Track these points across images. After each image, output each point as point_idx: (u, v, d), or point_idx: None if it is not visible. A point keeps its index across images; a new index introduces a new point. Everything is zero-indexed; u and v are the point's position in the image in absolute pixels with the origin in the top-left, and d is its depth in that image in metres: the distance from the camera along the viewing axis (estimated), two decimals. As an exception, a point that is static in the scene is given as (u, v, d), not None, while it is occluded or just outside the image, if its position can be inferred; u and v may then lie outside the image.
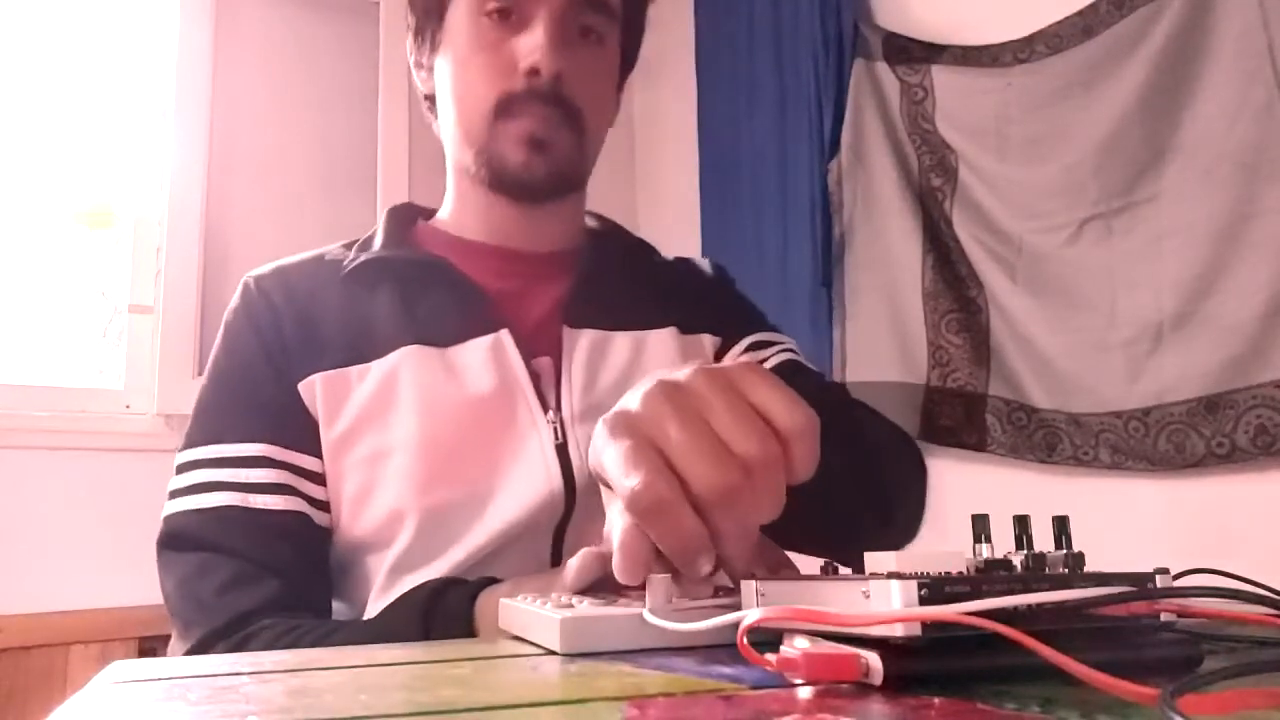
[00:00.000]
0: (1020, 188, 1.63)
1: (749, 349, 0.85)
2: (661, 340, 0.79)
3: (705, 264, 0.93)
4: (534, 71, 0.72)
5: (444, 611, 0.58)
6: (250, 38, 2.32)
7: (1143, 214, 1.45)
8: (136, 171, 2.21)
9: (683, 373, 0.44)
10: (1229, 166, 1.34)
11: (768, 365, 0.84)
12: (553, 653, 0.40)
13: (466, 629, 0.56)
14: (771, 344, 0.86)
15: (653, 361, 0.78)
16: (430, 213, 0.87)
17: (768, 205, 2.18)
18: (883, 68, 1.89)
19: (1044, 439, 1.56)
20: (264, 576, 0.65)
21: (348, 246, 0.81)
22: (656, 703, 0.29)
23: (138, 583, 2.00)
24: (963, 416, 1.69)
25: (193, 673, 0.36)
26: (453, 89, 0.77)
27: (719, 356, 0.84)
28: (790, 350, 0.86)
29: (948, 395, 1.73)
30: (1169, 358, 1.40)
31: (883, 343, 1.84)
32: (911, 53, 1.85)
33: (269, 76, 2.33)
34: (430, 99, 0.83)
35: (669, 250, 0.92)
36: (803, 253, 2.03)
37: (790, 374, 0.81)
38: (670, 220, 2.60)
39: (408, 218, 0.85)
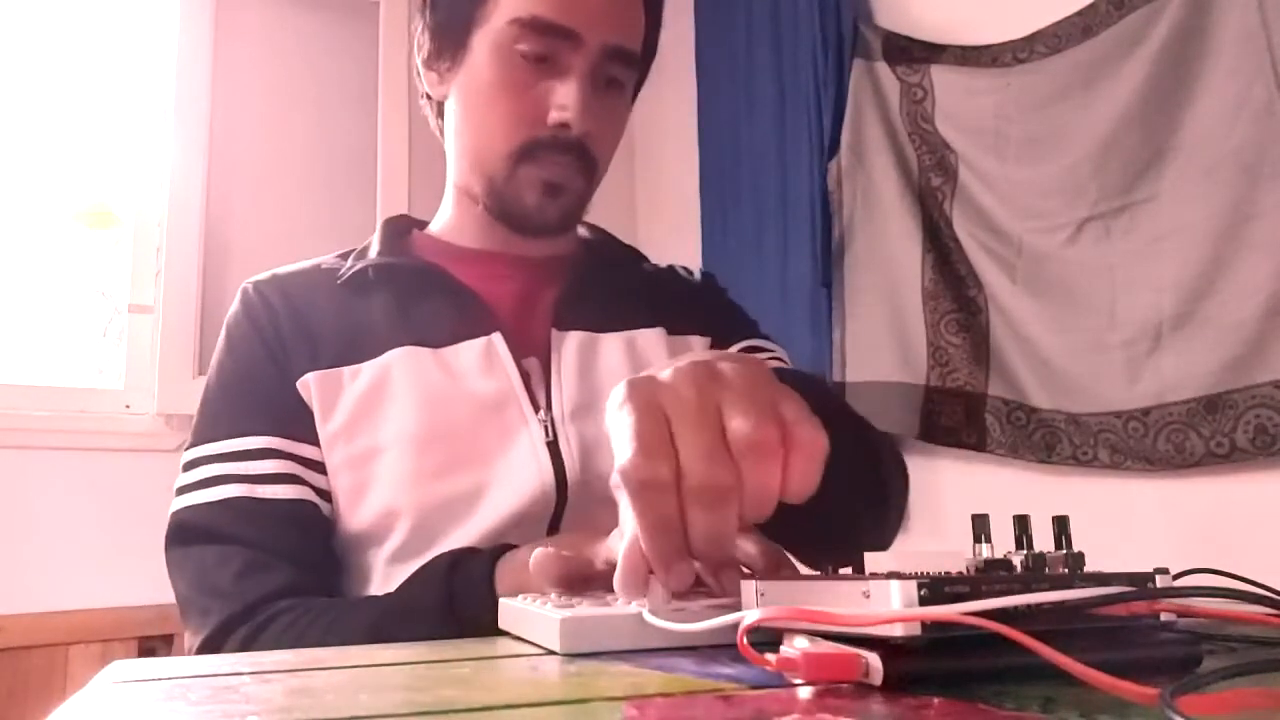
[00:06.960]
0: (1020, 188, 1.63)
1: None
2: (649, 340, 0.81)
3: (695, 271, 0.95)
4: (563, 125, 0.73)
5: (467, 578, 0.59)
6: (250, 38, 2.31)
7: (1143, 214, 1.45)
8: (136, 171, 2.21)
9: (727, 363, 0.43)
10: (1229, 167, 1.34)
11: None
12: (553, 653, 0.40)
13: (489, 594, 0.57)
14: (761, 350, 0.87)
15: (643, 359, 0.79)
16: (425, 224, 0.89)
17: (768, 205, 2.18)
18: (882, 68, 1.89)
19: (1043, 439, 1.56)
20: (277, 563, 0.66)
21: (343, 256, 0.83)
22: (656, 703, 0.29)
23: (138, 583, 2.01)
24: (962, 416, 1.69)
25: (193, 673, 0.36)
26: (470, 116, 0.78)
27: None
28: (780, 360, 0.87)
29: (947, 395, 1.72)
30: (1168, 358, 1.40)
31: (882, 343, 1.84)
32: (911, 53, 1.84)
33: (269, 76, 2.33)
34: (432, 99, 0.83)
35: (669, 251, 0.93)
36: (803, 253, 2.02)
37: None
38: (670, 220, 2.59)
39: (403, 228, 0.88)
